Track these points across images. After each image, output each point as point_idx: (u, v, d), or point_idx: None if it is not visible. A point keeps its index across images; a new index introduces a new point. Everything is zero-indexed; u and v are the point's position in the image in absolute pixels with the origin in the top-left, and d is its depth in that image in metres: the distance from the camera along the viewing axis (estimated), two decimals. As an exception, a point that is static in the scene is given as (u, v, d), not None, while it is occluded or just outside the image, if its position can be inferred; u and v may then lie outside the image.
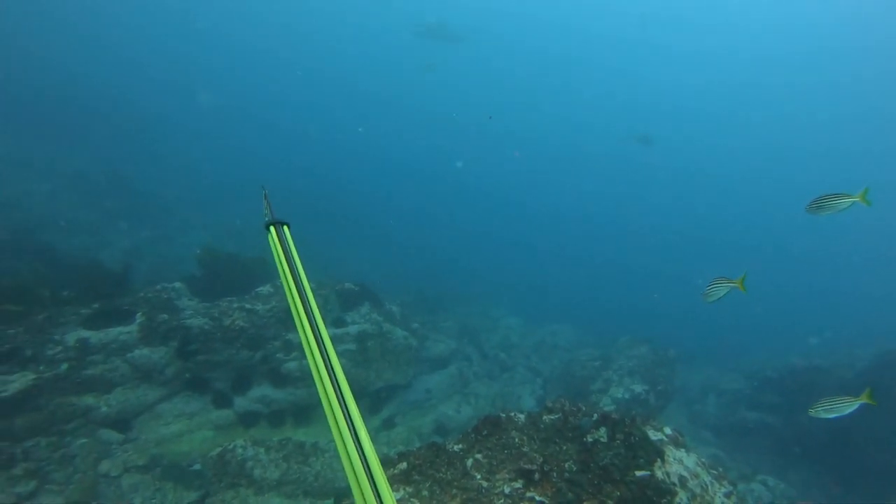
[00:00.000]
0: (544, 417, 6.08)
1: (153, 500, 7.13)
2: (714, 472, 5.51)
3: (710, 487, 5.06)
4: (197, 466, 7.51)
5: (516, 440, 5.64)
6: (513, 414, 6.20)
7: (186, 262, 14.53)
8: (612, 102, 55.37)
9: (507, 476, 5.02)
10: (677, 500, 4.55)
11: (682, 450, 5.51)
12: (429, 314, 16.64)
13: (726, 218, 44.38)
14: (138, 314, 8.61)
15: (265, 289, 9.87)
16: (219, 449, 7.60)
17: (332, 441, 8.42)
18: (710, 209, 45.60)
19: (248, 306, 9.16)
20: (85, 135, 23.63)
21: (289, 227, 1.40)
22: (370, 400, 10.43)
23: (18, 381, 7.35)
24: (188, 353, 8.45)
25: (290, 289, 1.22)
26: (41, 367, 7.59)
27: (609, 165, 52.32)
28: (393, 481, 5.13)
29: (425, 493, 4.96)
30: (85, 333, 8.04)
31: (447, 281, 22.14)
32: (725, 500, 5.03)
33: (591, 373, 13.34)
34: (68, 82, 30.75)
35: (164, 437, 8.06)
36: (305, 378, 9.53)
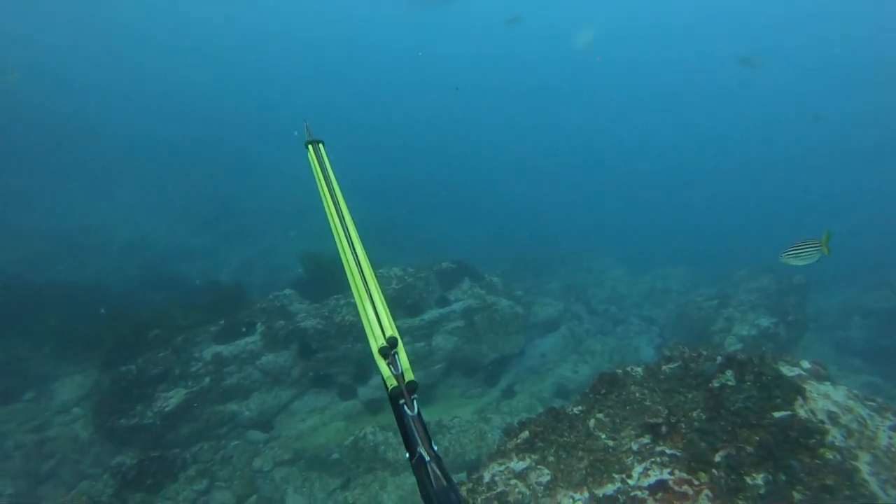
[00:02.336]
0: (663, 368, 5.77)
1: (303, 489, 7.74)
2: (872, 403, 4.93)
3: (869, 421, 4.54)
4: (335, 456, 8.03)
5: (637, 395, 5.41)
6: (630, 368, 5.94)
7: (292, 268, 15.48)
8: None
9: (632, 433, 4.83)
10: (829, 438, 4.12)
11: (827, 383, 4.98)
12: (531, 279, 16.46)
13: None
14: (258, 324, 9.30)
15: (367, 281, 10.24)
16: (351, 437, 8.07)
17: (456, 417, 8.59)
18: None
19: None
20: (188, 169, 25.78)
21: (324, 145, 1.56)
22: (486, 373, 10.54)
23: (175, 397, 8.25)
24: (309, 352, 9.01)
25: (325, 196, 1.38)
26: (189, 383, 8.45)
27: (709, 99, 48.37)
28: (517, 450, 5.13)
29: (551, 458, 4.90)
30: (218, 348, 8.83)
31: (544, 243, 21.73)
32: (893, 433, 4.48)
33: (710, 313, 12.51)
34: (164, 125, 33.60)
35: (301, 432, 8.70)
36: (420, 360, 9.81)
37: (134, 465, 7.42)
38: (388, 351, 1.14)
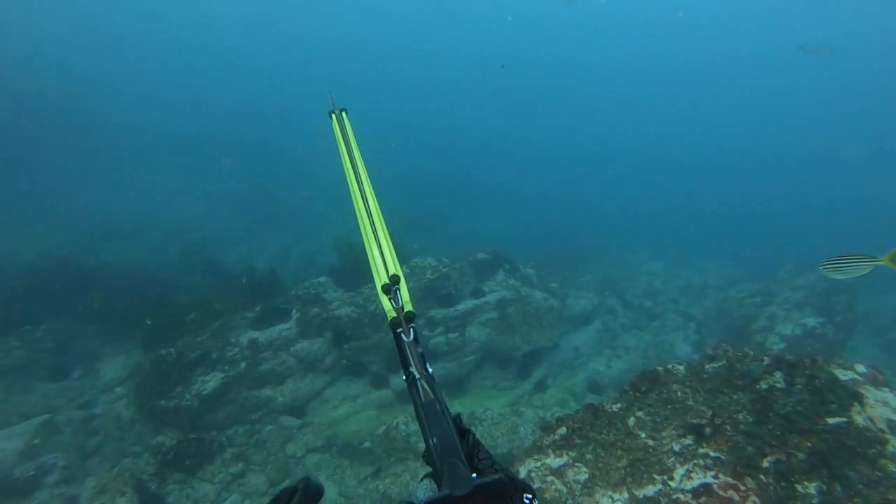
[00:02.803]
0: (707, 367, 5.55)
1: (335, 476, 7.81)
2: (935, 412, 4.64)
3: (933, 431, 4.27)
4: (367, 444, 8.07)
5: (679, 394, 5.22)
6: (671, 366, 5.75)
7: (326, 255, 15.62)
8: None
9: (674, 433, 4.67)
10: (890, 448, 3.88)
11: (886, 389, 4.70)
12: (565, 271, 16.21)
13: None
14: (294, 311, 9.40)
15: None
16: (383, 427, 8.09)
17: (488, 409, 8.53)
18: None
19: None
20: (225, 157, 26.28)
21: (346, 113, 1.62)
22: (518, 365, 10.43)
23: (213, 380, 8.43)
24: (342, 340, 9.06)
25: (344, 157, 1.43)
26: (226, 367, 8.61)
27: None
28: (554, 447, 5.03)
29: (589, 456, 4.79)
30: (254, 334, 8.96)
31: (578, 236, 21.40)
32: (958, 445, 4.21)
33: (751, 311, 12.06)
34: (203, 114, 34.34)
35: (334, 419, 8.78)
36: (454, 351, 9.77)
37: (173, 445, 7.62)
38: (391, 287, 1.24)
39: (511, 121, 45.16)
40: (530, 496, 0.99)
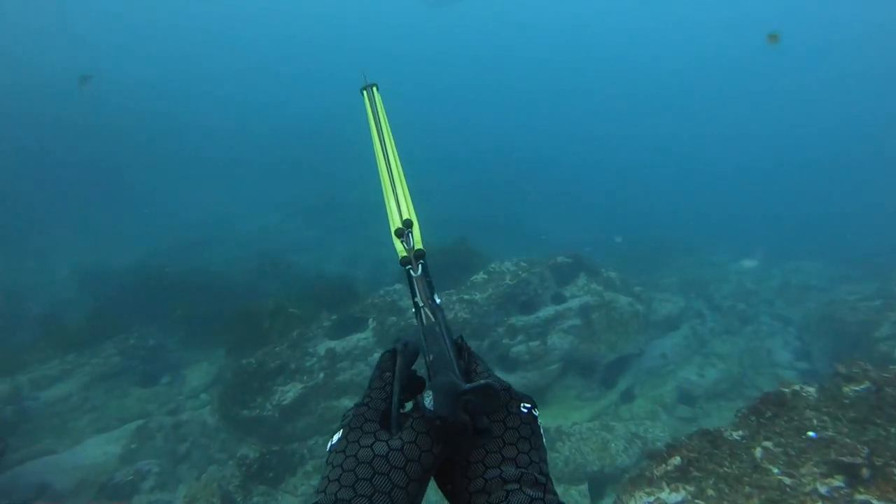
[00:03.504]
0: (845, 389, 4.82)
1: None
2: None
3: None
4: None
5: (815, 422, 4.54)
6: (799, 388, 5.04)
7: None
8: None
9: (816, 470, 4.02)
10: None
11: None
12: (645, 274, 15.30)
13: None
14: (370, 320, 9.24)
15: (479, 277, 9.86)
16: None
17: (576, 423, 8.00)
18: None
19: (466, 297, 9.22)
20: (296, 162, 27.00)
21: (377, 88, 1.65)
22: (603, 374, 9.82)
23: (292, 391, 8.40)
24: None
25: (376, 137, 1.47)
26: (304, 377, 8.57)
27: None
28: (668, 478, 4.49)
29: (711, 492, 4.22)
30: (331, 344, 8.88)
31: (659, 235, 20.25)
32: None
33: (870, 316, 10.78)
34: (275, 120, 35.55)
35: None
36: (535, 360, 9.31)
37: (256, 458, 7.61)
38: (403, 231, 1.28)
39: (580, 123, 43.91)
40: (529, 405, 0.96)
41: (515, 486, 0.83)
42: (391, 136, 1.53)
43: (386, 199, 1.37)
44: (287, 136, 31.18)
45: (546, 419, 9.16)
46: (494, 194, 25.95)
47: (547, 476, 0.89)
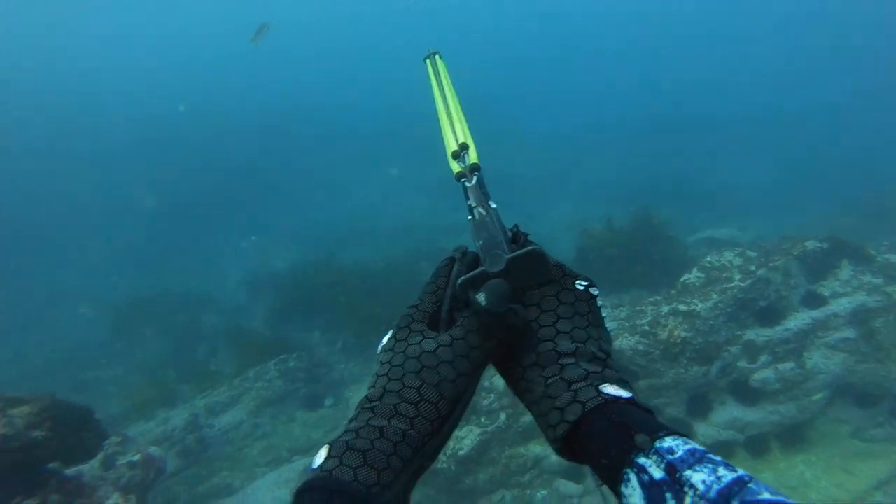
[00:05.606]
0: None
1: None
2: None
3: None
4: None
5: None
6: None
7: (561, 241, 13.35)
8: None
9: None
10: None
11: None
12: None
13: None
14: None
15: (692, 277, 7.38)
16: None
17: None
18: None
19: (682, 307, 6.85)
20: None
21: (440, 56, 1.66)
22: (892, 404, 6.85)
23: (469, 437, 6.88)
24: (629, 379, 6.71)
25: (442, 109, 1.45)
26: (482, 419, 6.98)
27: None
28: None
29: None
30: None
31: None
32: None
33: None
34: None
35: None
36: (789, 389, 6.70)
37: (436, 526, 6.23)
38: (459, 153, 1.28)
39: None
40: (585, 283, 0.93)
41: (571, 360, 0.81)
42: (448, 78, 1.54)
43: (442, 127, 1.37)
44: (420, 118, 30.01)
45: (807, 467, 6.62)
46: (655, 155, 22.33)
47: (608, 354, 0.85)
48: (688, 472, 0.60)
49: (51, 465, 5.25)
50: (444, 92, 1.50)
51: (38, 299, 17.44)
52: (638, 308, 7.32)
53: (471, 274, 0.89)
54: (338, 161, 26.05)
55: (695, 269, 7.51)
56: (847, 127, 22.96)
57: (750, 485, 0.56)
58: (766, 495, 0.55)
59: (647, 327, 6.78)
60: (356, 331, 11.12)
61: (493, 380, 7.21)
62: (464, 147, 1.28)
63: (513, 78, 39.46)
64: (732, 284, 6.99)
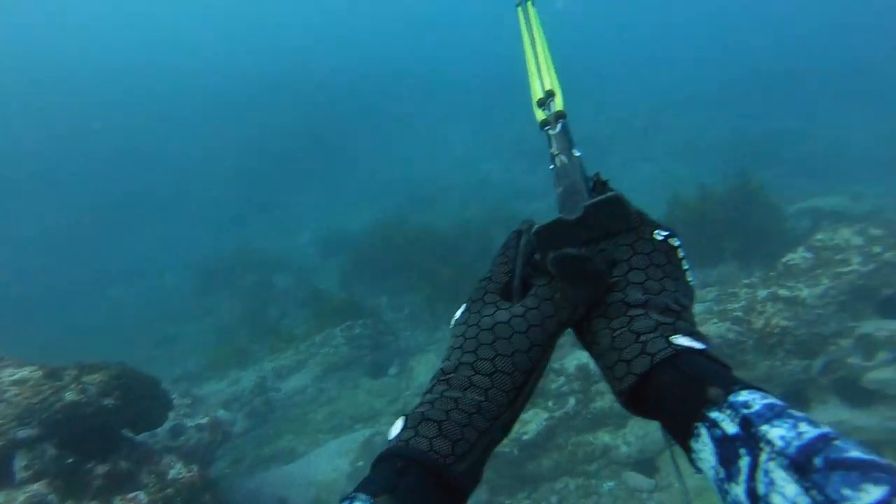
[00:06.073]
0: None
1: None
2: None
3: None
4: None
5: None
6: None
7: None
8: None
9: None
10: None
11: None
12: None
13: None
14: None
15: (797, 256, 6.43)
16: None
17: None
18: None
19: (783, 292, 5.98)
20: (510, 104, 24.73)
21: (533, 2, 1.63)
22: None
23: (535, 422, 6.50)
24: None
25: (531, 56, 1.42)
26: (550, 403, 6.56)
27: None
28: None
29: None
30: (582, 357, 6.64)
31: None
32: None
33: None
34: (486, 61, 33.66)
35: (701, 486, 5.95)
36: (910, 394, 5.77)
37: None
38: (545, 100, 1.26)
39: None
40: (666, 233, 0.89)
41: (640, 311, 0.79)
42: (540, 25, 1.53)
43: (530, 75, 1.37)
44: (493, 77, 28.85)
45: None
46: (751, 105, 20.26)
47: (684, 307, 0.81)
48: (765, 427, 0.57)
49: (122, 432, 5.41)
50: (533, 40, 1.48)
51: (129, 257, 18.60)
52: (731, 290, 6.51)
53: (547, 222, 0.89)
54: (404, 125, 25.69)
55: (801, 249, 6.53)
56: None
57: (836, 441, 0.52)
58: (855, 453, 0.50)
59: (739, 313, 6.00)
60: (426, 297, 10.93)
61: (564, 361, 6.74)
62: (550, 94, 1.27)
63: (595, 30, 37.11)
64: (850, 269, 6.00)
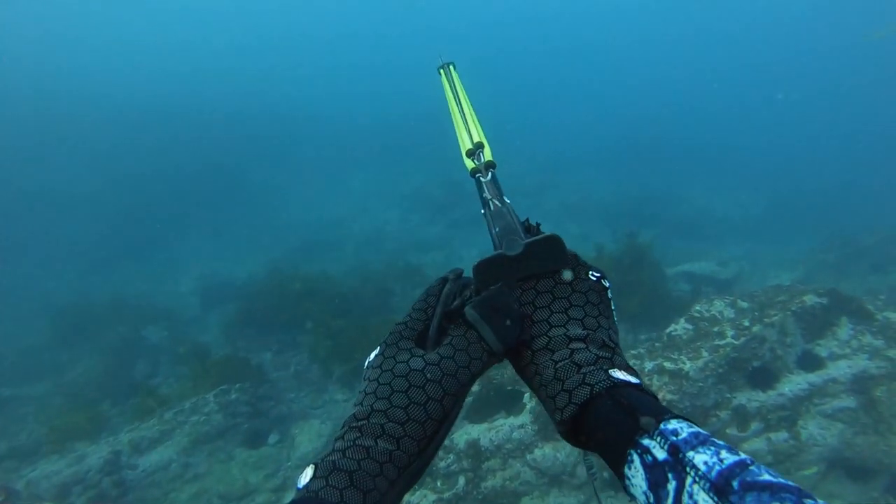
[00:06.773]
0: None
1: None
2: None
3: None
4: None
5: None
6: None
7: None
8: None
9: None
10: None
11: None
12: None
13: None
14: (527, 394, 6.51)
15: (680, 328, 6.64)
16: None
17: None
18: None
19: (668, 365, 6.10)
20: (413, 152, 24.87)
21: (454, 66, 1.67)
22: (891, 481, 6.24)
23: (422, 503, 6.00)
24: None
25: (456, 112, 1.47)
26: (438, 484, 6.10)
27: None
28: None
29: None
30: (473, 431, 6.30)
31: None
32: None
33: None
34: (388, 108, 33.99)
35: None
36: (782, 462, 6.02)
37: None
38: (474, 151, 1.32)
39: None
40: (598, 274, 0.94)
41: (581, 345, 0.82)
42: (461, 85, 1.57)
43: (457, 129, 1.41)
44: (402, 123, 29.10)
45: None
46: (630, 172, 22.01)
47: (616, 344, 0.86)
48: (690, 454, 0.60)
49: None
50: (458, 98, 1.53)
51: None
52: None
53: (488, 256, 0.92)
54: (304, 168, 24.98)
55: (682, 321, 6.79)
56: (828, 162, 22.98)
57: (751, 467, 0.57)
58: (766, 477, 0.56)
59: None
60: (314, 353, 10.23)
61: (454, 437, 6.36)
62: (479, 146, 1.33)
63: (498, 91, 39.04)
64: (725, 341, 6.29)
